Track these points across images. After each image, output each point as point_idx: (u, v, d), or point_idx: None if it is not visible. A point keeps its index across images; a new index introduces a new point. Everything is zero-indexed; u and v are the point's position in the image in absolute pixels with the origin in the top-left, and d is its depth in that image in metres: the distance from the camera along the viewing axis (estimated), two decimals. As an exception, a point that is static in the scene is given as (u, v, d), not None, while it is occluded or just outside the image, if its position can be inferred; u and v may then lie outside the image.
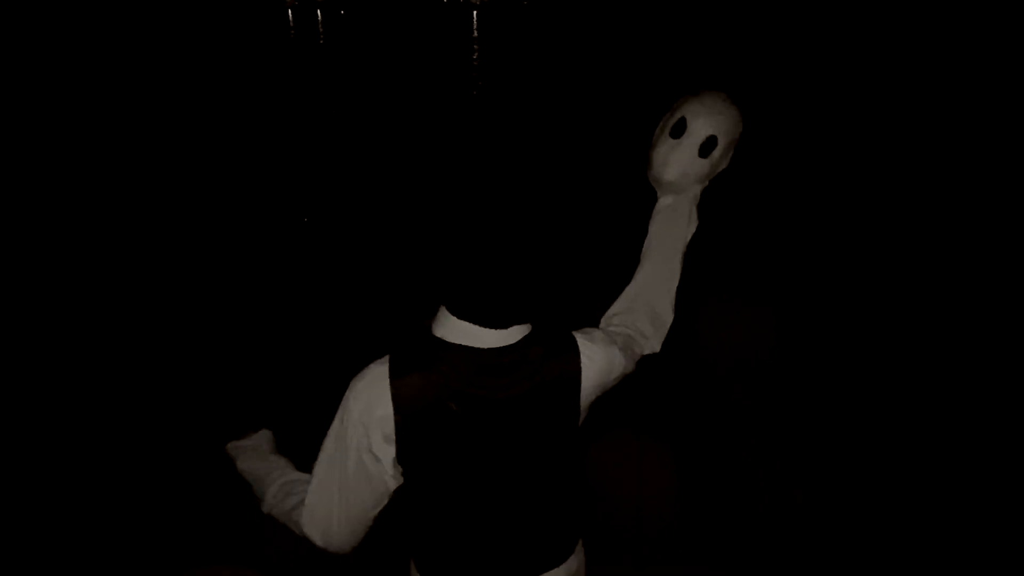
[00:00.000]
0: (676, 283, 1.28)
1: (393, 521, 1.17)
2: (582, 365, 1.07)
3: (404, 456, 1.03)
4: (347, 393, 1.02)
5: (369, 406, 1.00)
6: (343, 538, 1.08)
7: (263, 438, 1.26)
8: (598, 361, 1.09)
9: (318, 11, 19.06)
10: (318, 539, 1.07)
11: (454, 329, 1.02)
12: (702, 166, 1.26)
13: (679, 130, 1.26)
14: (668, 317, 1.27)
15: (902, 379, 2.86)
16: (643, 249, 1.31)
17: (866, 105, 5.22)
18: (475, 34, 15.71)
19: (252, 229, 4.64)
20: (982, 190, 3.95)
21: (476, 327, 1.01)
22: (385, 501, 1.08)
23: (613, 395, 1.19)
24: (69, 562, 2.13)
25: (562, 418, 1.08)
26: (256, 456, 1.22)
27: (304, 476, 1.14)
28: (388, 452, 1.02)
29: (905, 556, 2.07)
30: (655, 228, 1.31)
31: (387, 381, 1.00)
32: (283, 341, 3.31)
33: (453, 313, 1.02)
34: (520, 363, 1.03)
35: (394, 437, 1.01)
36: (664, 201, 1.31)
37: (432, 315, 1.06)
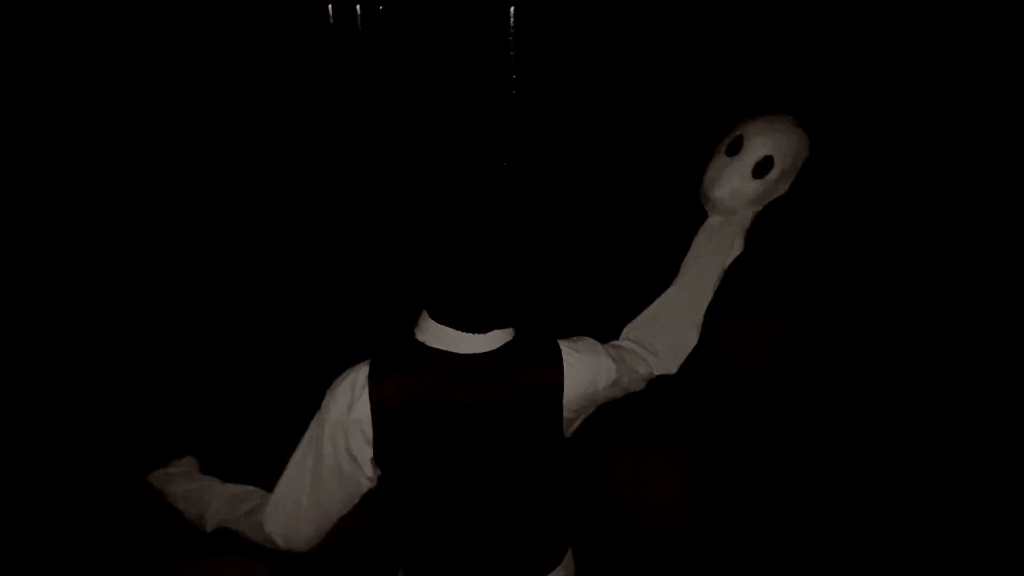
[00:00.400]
0: (704, 306, 1.24)
1: (383, 527, 1.17)
2: (565, 374, 1.05)
3: (381, 458, 1.04)
4: (327, 393, 1.04)
5: (348, 407, 1.01)
6: (307, 536, 1.08)
7: (189, 464, 1.26)
8: (582, 370, 1.06)
9: (357, 6, 19.22)
10: (279, 537, 1.08)
11: (435, 333, 1.02)
12: (755, 188, 1.22)
13: (735, 148, 1.22)
14: (690, 340, 1.23)
15: (920, 388, 2.81)
16: (682, 265, 1.27)
17: (895, 115, 5.10)
18: (512, 30, 15.69)
19: (253, 229, 4.69)
20: (1011, 202, 3.84)
21: (456, 332, 1.01)
22: (355, 502, 1.09)
23: (627, 400, 1.18)
24: (68, 560, 2.16)
25: (544, 426, 1.07)
26: (188, 480, 1.21)
27: (248, 488, 1.16)
28: (366, 453, 1.03)
29: (917, 559, 2.05)
30: (696, 246, 1.27)
31: (366, 383, 1.01)
32: (268, 345, 3.36)
33: (433, 317, 1.02)
34: (500, 370, 1.02)
35: (371, 439, 1.02)
36: (713, 220, 1.27)
37: (415, 319, 1.07)
